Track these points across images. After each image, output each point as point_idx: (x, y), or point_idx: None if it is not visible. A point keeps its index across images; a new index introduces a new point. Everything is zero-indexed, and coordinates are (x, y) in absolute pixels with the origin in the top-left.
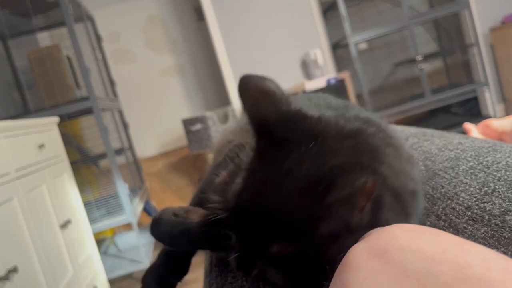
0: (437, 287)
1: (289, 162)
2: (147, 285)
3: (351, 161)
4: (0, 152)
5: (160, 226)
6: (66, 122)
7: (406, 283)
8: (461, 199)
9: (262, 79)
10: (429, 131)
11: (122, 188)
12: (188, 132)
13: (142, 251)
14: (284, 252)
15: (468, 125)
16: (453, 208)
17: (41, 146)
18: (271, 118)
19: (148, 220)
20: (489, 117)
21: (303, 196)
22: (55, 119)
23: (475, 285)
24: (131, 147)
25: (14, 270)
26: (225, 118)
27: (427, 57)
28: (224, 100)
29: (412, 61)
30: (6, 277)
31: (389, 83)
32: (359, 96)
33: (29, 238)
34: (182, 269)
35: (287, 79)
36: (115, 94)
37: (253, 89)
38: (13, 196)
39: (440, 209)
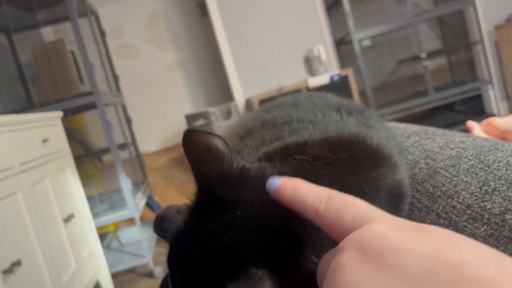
0: None
1: (216, 226)
2: None
3: (266, 251)
4: (4, 146)
5: (163, 223)
6: (69, 117)
7: (404, 285)
8: (461, 197)
9: (207, 134)
10: (431, 129)
11: (125, 183)
12: (190, 127)
13: (144, 245)
14: None
15: (471, 123)
16: (454, 207)
17: (45, 141)
18: (212, 176)
19: (150, 215)
20: (493, 115)
21: (212, 269)
22: (59, 114)
23: (472, 284)
24: (134, 142)
25: (17, 263)
26: (227, 114)
27: (431, 55)
28: (227, 96)
29: (416, 58)
30: (9, 270)
31: (392, 80)
32: (362, 93)
33: (32, 232)
34: None
35: (290, 75)
36: (118, 89)
37: (197, 144)
38: (17, 190)
39: (441, 208)
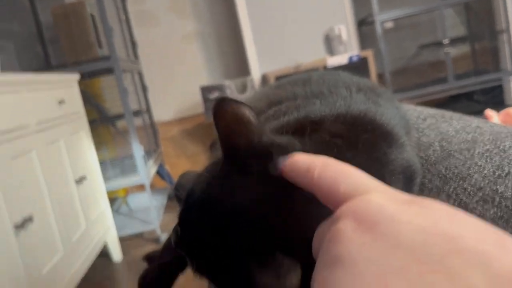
0: (430, 259)
1: (247, 202)
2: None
3: (292, 238)
4: (22, 104)
5: (180, 189)
6: (86, 80)
7: (399, 255)
8: (473, 180)
9: (239, 104)
10: (448, 113)
11: (138, 150)
12: (205, 99)
13: (153, 212)
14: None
15: (489, 112)
16: (465, 189)
17: (61, 102)
18: (242, 148)
19: (160, 184)
20: None
21: (237, 246)
22: (76, 76)
23: (468, 256)
24: (148, 110)
25: (29, 219)
26: (243, 88)
27: (454, 41)
28: (244, 70)
29: (438, 44)
30: (21, 225)
31: (412, 65)
32: (380, 76)
33: (45, 190)
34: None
35: (309, 53)
36: (136, 56)
37: (229, 113)
38: (33, 148)
39: (451, 189)
